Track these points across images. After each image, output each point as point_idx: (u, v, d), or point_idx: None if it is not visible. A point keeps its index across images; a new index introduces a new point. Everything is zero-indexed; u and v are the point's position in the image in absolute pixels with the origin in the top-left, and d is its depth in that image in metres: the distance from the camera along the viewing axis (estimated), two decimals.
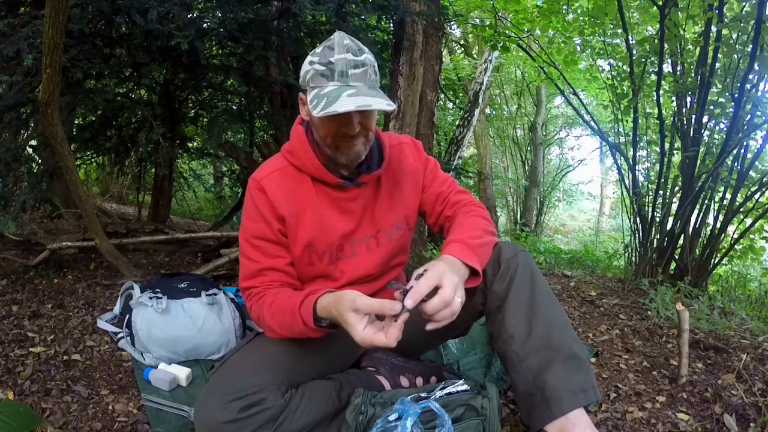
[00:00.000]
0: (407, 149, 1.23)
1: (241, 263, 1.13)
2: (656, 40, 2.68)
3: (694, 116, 2.67)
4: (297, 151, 1.11)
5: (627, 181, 3.05)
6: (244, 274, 1.11)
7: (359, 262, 1.17)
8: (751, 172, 2.57)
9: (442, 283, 0.88)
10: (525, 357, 1.02)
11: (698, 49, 2.62)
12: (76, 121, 3.02)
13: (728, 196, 2.67)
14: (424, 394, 1.07)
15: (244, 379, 0.97)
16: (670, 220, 2.75)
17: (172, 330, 1.49)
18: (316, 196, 1.12)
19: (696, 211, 2.68)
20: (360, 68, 0.99)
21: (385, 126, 2.94)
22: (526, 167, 9.76)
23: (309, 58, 1.02)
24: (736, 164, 2.60)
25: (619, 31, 3.07)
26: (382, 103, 0.95)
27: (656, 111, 2.79)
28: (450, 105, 8.20)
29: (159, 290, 1.59)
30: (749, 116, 2.48)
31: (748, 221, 2.69)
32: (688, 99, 2.77)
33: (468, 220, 1.13)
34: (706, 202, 2.68)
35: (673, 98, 2.89)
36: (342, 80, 0.97)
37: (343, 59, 0.97)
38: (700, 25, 2.80)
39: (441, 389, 1.08)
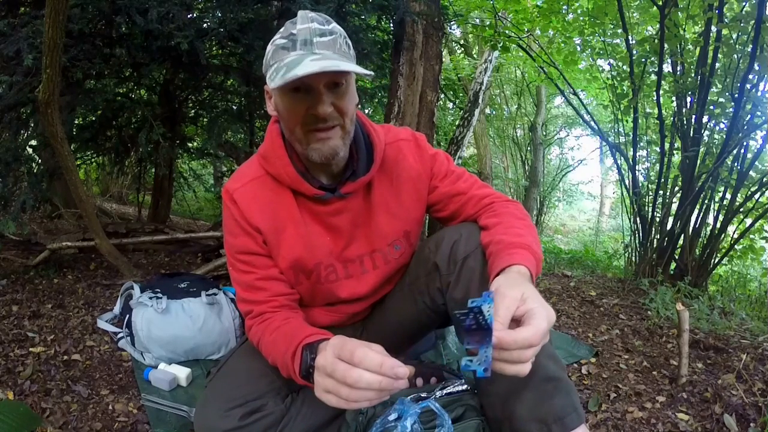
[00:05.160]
0: (406, 147, 1.02)
1: (232, 278, 0.99)
2: (656, 40, 2.68)
3: (694, 116, 2.67)
4: (270, 157, 0.94)
5: (627, 181, 3.05)
6: (240, 287, 0.98)
7: (353, 285, 1.04)
8: (751, 172, 2.58)
9: (534, 323, 0.65)
10: (492, 380, 0.86)
11: (698, 49, 2.62)
12: (76, 121, 3.02)
13: (728, 196, 2.67)
14: (424, 394, 1.07)
15: (243, 386, 0.94)
16: (670, 220, 2.75)
17: (172, 330, 1.49)
18: (299, 210, 0.96)
19: (696, 211, 2.69)
20: (327, 36, 0.82)
21: None
22: (526, 167, 9.76)
23: (271, 40, 0.88)
24: (736, 164, 2.60)
25: (619, 31, 3.07)
26: (354, 67, 0.79)
27: (656, 111, 2.80)
28: (450, 105, 8.20)
29: (159, 290, 1.59)
30: (749, 116, 2.48)
31: (748, 221, 2.69)
32: (688, 99, 2.78)
33: (512, 215, 0.93)
34: (706, 202, 2.68)
35: (673, 98, 2.90)
36: (306, 48, 0.81)
37: (307, 28, 0.82)
38: (700, 25, 2.80)
39: (441, 389, 1.08)
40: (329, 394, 0.69)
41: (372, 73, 0.83)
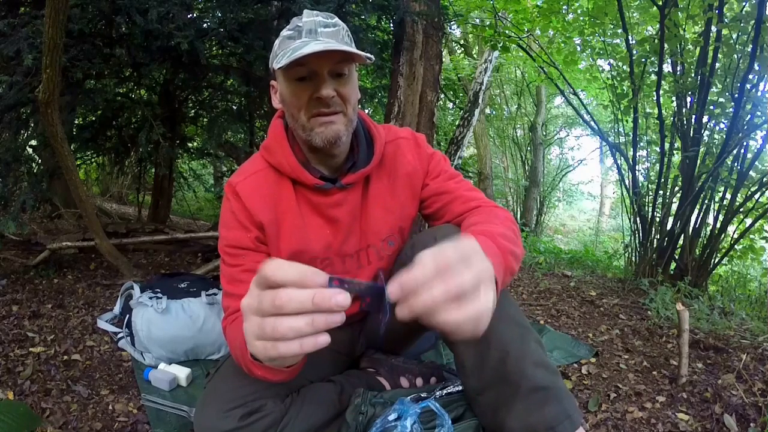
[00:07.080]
0: (405, 145, 1.04)
1: (221, 272, 0.99)
2: (656, 40, 2.68)
3: (694, 116, 2.67)
4: (273, 148, 0.97)
5: (627, 181, 3.05)
6: (225, 279, 0.96)
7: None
8: (751, 172, 2.57)
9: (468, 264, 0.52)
10: (481, 390, 0.89)
11: (698, 49, 2.62)
12: (76, 121, 3.02)
13: (728, 196, 2.67)
14: (424, 394, 1.07)
15: (242, 387, 0.93)
16: (670, 220, 2.75)
17: (172, 330, 1.49)
18: (297, 202, 0.97)
19: (696, 211, 2.68)
20: (331, 27, 0.87)
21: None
22: (526, 167, 9.76)
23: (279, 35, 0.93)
24: (736, 164, 2.60)
25: (619, 31, 3.07)
26: (357, 51, 0.83)
27: (656, 111, 2.79)
28: (450, 105, 8.21)
29: (159, 290, 1.59)
30: (749, 116, 2.48)
31: (748, 221, 2.69)
32: (688, 99, 2.77)
33: (495, 216, 0.91)
34: (706, 202, 2.68)
35: (673, 98, 2.90)
36: (311, 36, 0.86)
37: (312, 20, 0.87)
38: (700, 25, 2.80)
39: (441, 389, 1.08)
40: (258, 340, 0.51)
41: (372, 56, 0.86)
